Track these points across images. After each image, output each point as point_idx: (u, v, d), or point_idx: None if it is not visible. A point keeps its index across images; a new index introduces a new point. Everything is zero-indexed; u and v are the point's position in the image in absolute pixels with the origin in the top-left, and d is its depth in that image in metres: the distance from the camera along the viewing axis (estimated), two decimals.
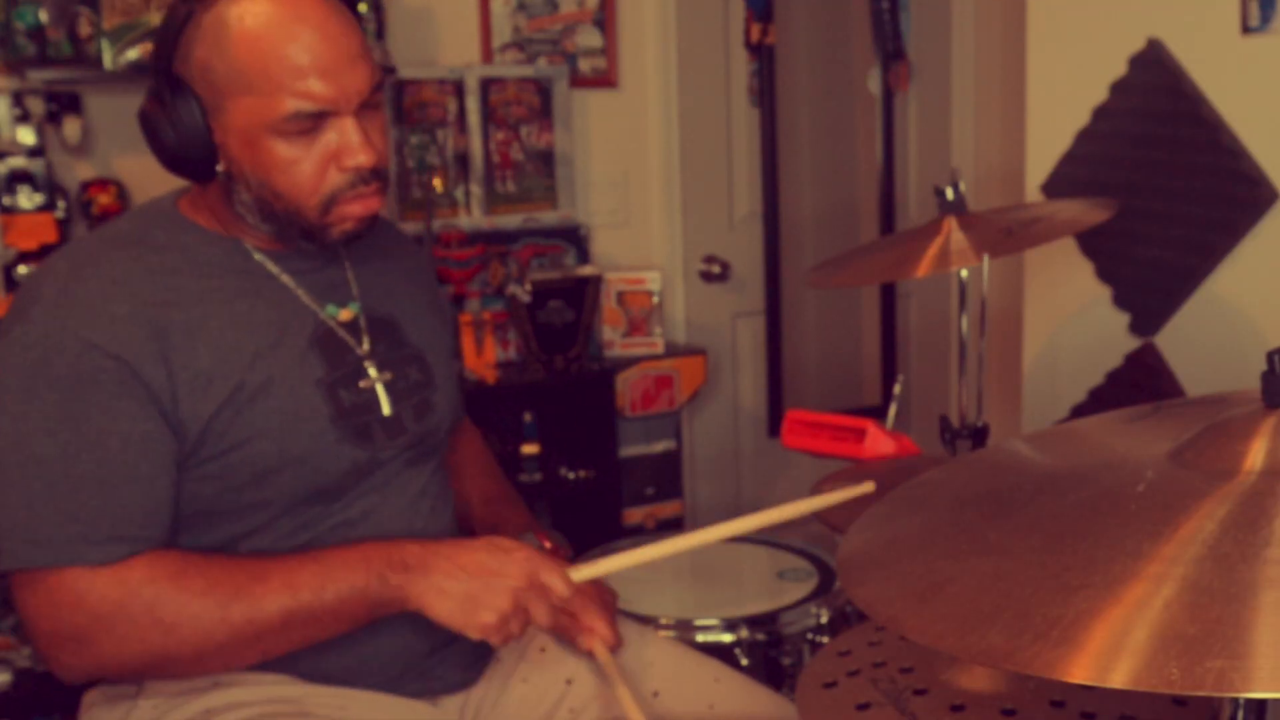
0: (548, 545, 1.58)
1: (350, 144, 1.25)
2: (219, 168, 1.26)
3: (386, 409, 1.35)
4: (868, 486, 1.40)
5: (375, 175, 1.29)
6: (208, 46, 1.21)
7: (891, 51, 3.63)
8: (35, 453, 1.17)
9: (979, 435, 1.73)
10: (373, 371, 1.35)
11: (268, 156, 1.24)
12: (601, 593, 1.45)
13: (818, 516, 1.78)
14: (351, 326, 1.36)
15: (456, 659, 1.39)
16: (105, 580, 1.17)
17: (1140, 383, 2.37)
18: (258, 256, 1.32)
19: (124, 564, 1.18)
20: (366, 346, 1.36)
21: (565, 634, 1.42)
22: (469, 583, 1.24)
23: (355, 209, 1.29)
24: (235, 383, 1.24)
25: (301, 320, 1.32)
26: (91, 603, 1.17)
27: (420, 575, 1.24)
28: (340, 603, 1.22)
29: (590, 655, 1.41)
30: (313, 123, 1.23)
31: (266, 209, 1.27)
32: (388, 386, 1.36)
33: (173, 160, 1.26)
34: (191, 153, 1.25)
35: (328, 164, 1.26)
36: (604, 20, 3.22)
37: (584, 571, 1.34)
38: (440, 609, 1.24)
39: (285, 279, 1.33)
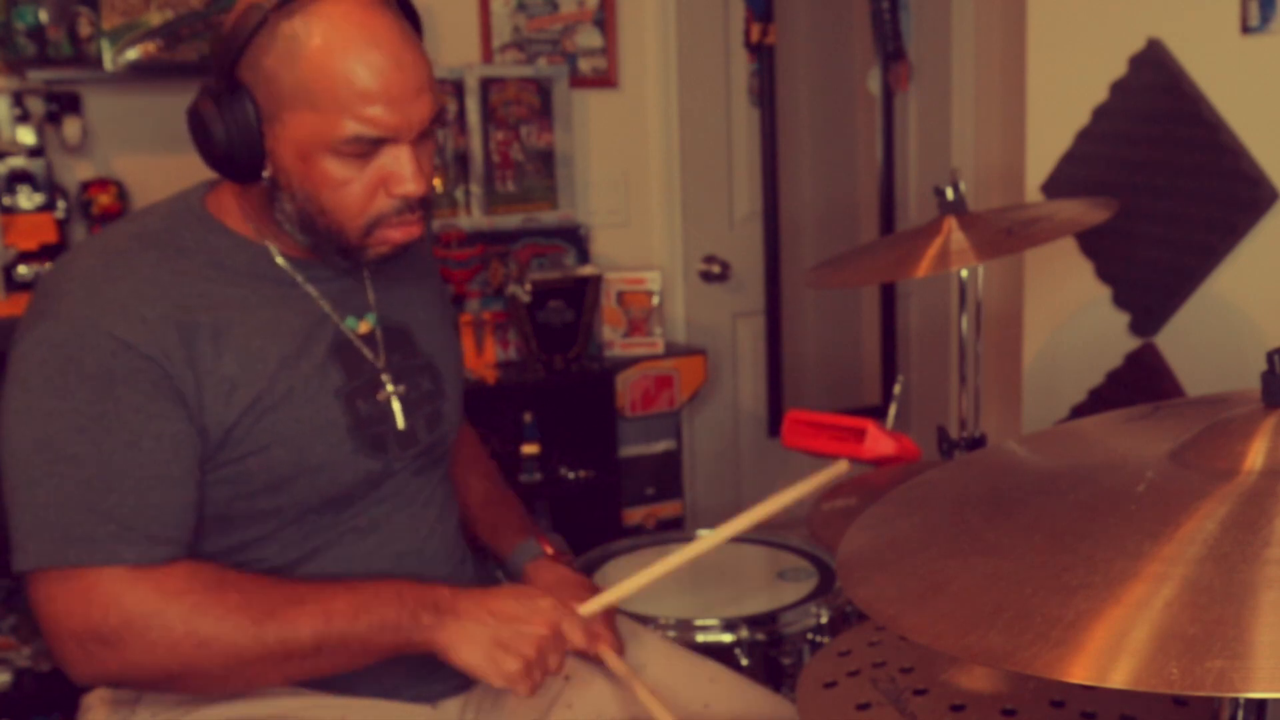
0: (549, 550, 1.58)
1: (403, 173, 1.24)
2: (265, 173, 1.25)
3: (401, 422, 1.35)
4: (841, 467, 1.43)
5: (421, 204, 1.29)
6: (278, 57, 1.20)
7: (891, 51, 3.63)
8: (67, 451, 1.16)
9: (976, 446, 1.73)
10: (389, 385, 1.35)
11: (319, 173, 1.23)
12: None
13: (810, 530, 1.79)
14: (368, 339, 1.36)
15: None
16: (144, 584, 1.17)
17: (1140, 383, 2.37)
18: (281, 262, 1.31)
19: (163, 569, 1.18)
20: (382, 359, 1.36)
21: None
22: (497, 629, 1.26)
23: (397, 235, 1.28)
24: (258, 390, 1.23)
25: (322, 329, 1.32)
26: (128, 605, 1.16)
27: (451, 618, 1.25)
28: (371, 633, 1.22)
29: (598, 659, 1.41)
30: (370, 147, 1.23)
31: (308, 222, 1.26)
32: (402, 399, 1.36)
33: (219, 159, 1.24)
34: (240, 155, 1.23)
35: (377, 188, 1.25)
36: (604, 20, 3.22)
37: (590, 605, 1.38)
38: (467, 655, 1.25)
39: (308, 287, 1.32)
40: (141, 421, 1.18)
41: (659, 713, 1.30)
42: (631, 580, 1.41)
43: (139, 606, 1.16)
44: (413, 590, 1.26)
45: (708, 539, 1.42)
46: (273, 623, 1.19)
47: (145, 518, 1.17)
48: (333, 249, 1.29)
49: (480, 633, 1.25)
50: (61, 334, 1.18)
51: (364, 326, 1.36)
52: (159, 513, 1.18)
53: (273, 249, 1.31)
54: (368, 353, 1.35)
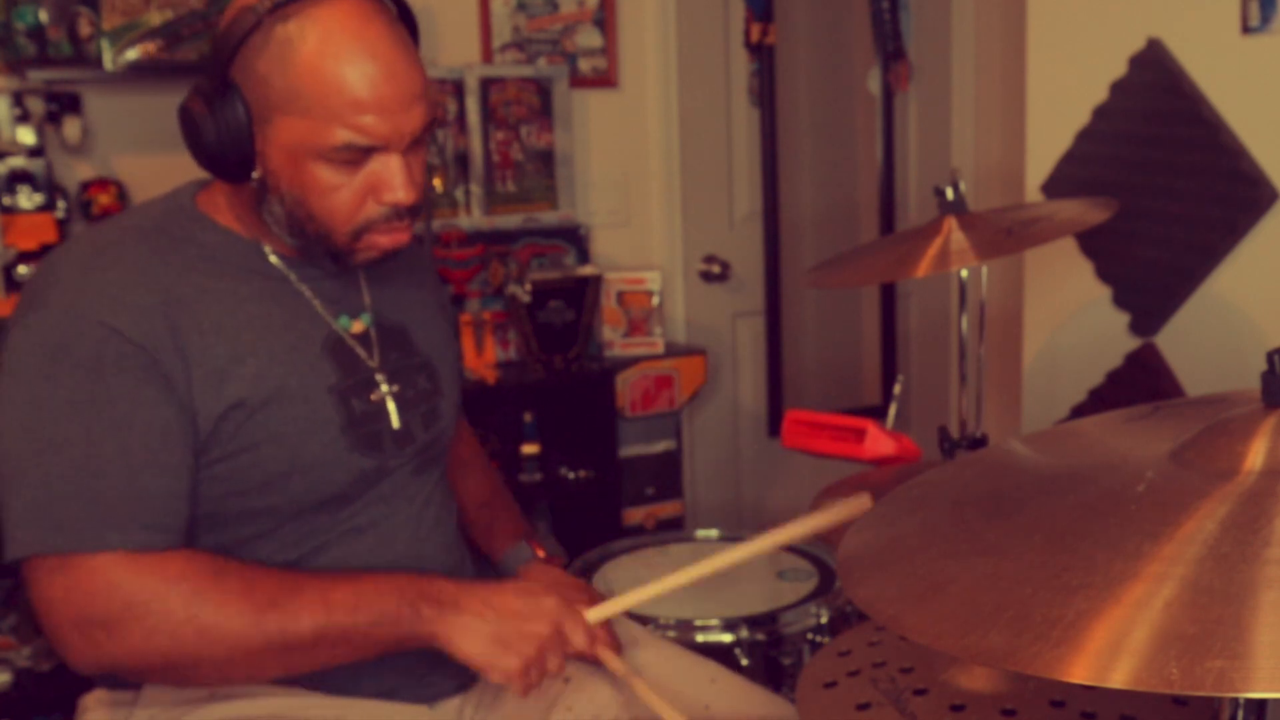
0: (541, 554, 1.58)
1: (393, 181, 1.25)
2: (255, 174, 1.25)
3: (396, 421, 1.35)
4: (864, 503, 1.41)
5: (410, 212, 1.29)
6: (270, 60, 1.20)
7: (891, 51, 3.63)
8: (56, 437, 1.16)
9: (977, 446, 1.73)
10: (384, 385, 1.35)
11: (309, 178, 1.23)
12: (597, 599, 1.46)
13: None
14: (363, 338, 1.36)
15: (454, 665, 1.38)
16: (144, 569, 1.16)
17: (1140, 383, 2.37)
18: (274, 260, 1.31)
19: (162, 555, 1.17)
20: (377, 359, 1.36)
21: None
22: (498, 624, 1.26)
23: (385, 240, 1.29)
24: (248, 384, 1.23)
25: (315, 327, 1.31)
26: (128, 590, 1.15)
27: (452, 612, 1.25)
28: (372, 626, 1.22)
29: (596, 661, 1.41)
30: (360, 155, 1.23)
31: (296, 226, 1.27)
32: (396, 398, 1.36)
33: (209, 159, 1.25)
34: (230, 155, 1.23)
35: (366, 195, 1.25)
36: (604, 20, 3.22)
37: (598, 612, 1.36)
38: (467, 647, 1.25)
39: (300, 285, 1.32)
40: (130, 407, 1.18)
41: (664, 711, 1.29)
42: (640, 590, 1.39)
43: (140, 592, 1.16)
44: (414, 583, 1.25)
45: (720, 558, 1.40)
46: (273, 612, 1.18)
47: (133, 504, 1.17)
48: (321, 251, 1.29)
49: (481, 627, 1.25)
50: (51, 322, 1.19)
51: (357, 326, 1.36)
52: (149, 499, 1.18)
53: (265, 247, 1.31)
54: (362, 351, 1.34)
